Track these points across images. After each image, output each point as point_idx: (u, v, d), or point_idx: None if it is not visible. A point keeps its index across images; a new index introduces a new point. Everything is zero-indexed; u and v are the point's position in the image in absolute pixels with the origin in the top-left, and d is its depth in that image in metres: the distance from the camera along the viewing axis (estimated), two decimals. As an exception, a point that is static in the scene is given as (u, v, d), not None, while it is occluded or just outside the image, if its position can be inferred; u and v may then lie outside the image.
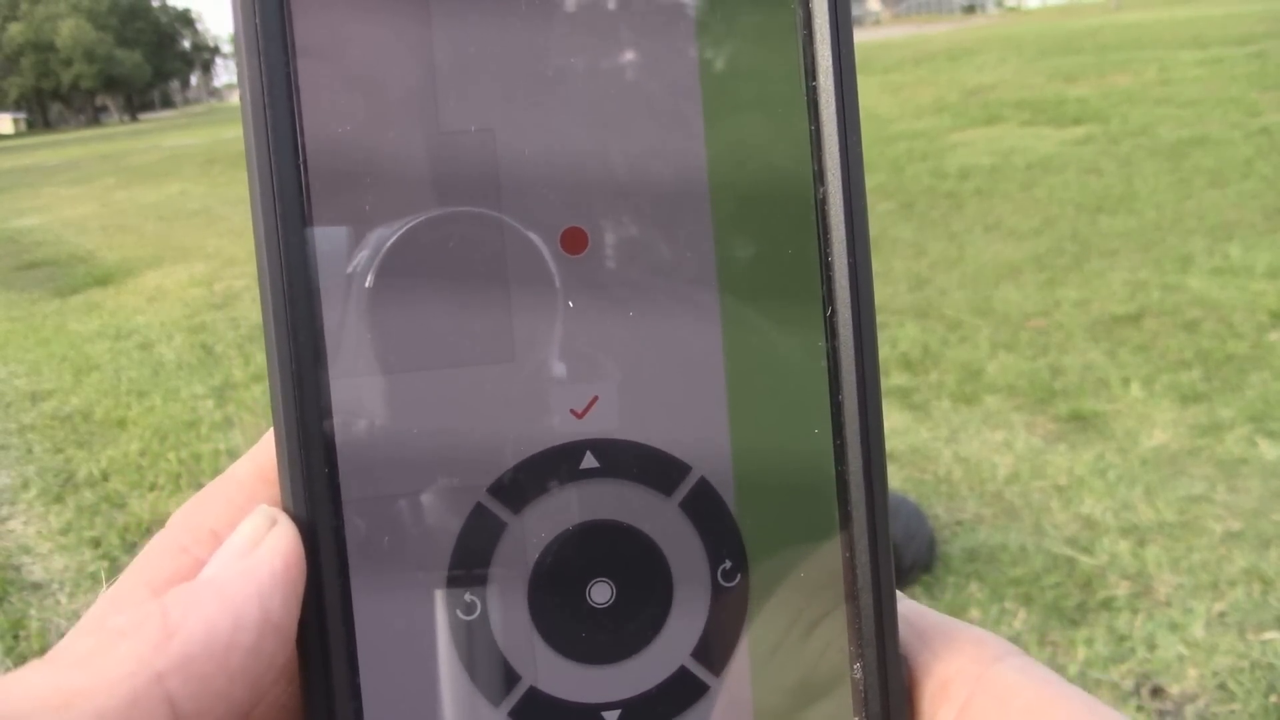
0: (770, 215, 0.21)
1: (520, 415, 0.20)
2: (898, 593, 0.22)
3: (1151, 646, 1.79)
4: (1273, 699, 1.65)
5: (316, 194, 0.19)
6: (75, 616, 2.27)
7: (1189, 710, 1.65)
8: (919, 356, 3.40)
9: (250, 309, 5.11)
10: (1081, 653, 1.79)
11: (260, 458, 0.22)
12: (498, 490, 0.20)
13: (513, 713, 0.20)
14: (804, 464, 0.21)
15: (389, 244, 0.19)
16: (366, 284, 0.19)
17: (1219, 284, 3.82)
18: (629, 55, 0.21)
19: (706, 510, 0.20)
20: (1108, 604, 1.94)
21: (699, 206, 0.21)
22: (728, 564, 0.21)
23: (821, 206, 0.22)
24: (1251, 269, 3.95)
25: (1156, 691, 1.70)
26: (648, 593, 0.20)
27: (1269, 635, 1.80)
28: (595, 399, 0.20)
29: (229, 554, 0.20)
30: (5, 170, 18.78)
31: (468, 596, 0.20)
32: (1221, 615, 1.87)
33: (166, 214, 9.12)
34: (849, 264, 0.21)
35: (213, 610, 0.19)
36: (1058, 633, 1.86)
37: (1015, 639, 1.85)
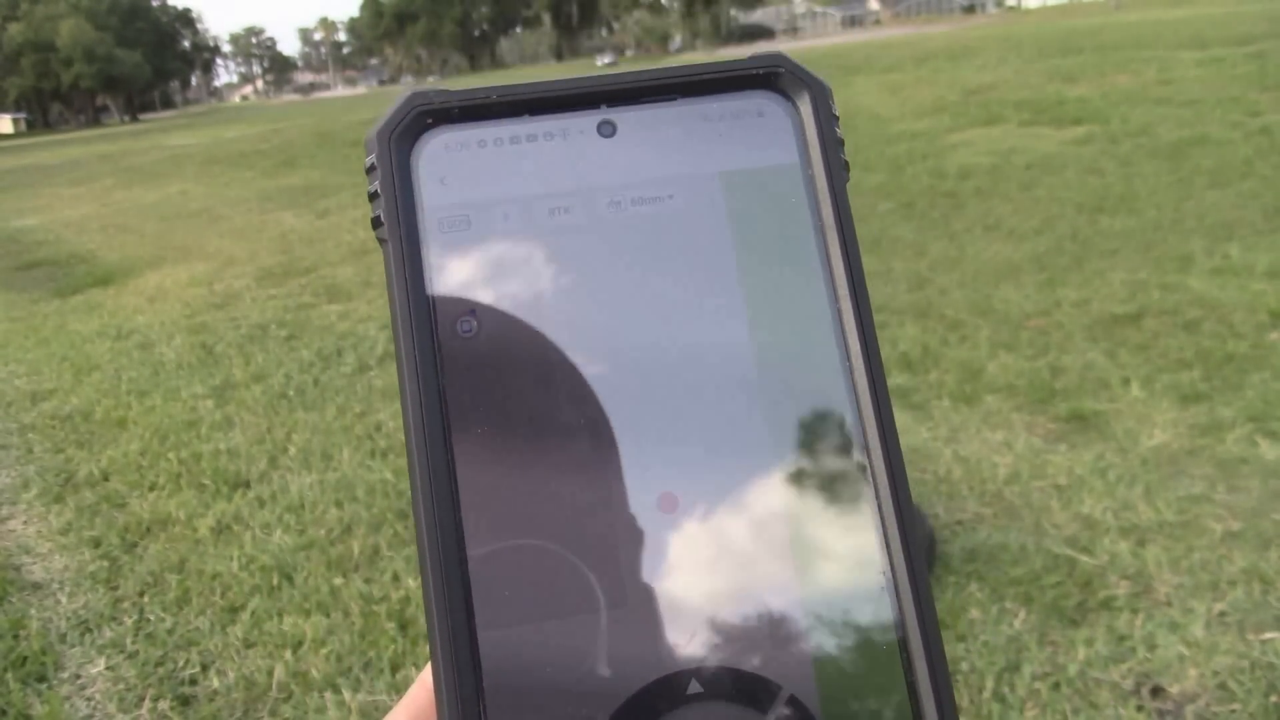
0: (824, 464, 0.25)
1: (634, 651, 0.23)
2: None
3: (1151, 646, 1.79)
4: (1273, 699, 1.65)
5: None
6: (75, 616, 2.27)
7: (1189, 710, 1.65)
8: (919, 356, 3.40)
9: (249, 308, 5.11)
10: (1081, 653, 1.79)
11: (411, 709, 0.25)
12: (619, 716, 0.23)
13: None
14: (876, 672, 0.23)
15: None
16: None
17: (1219, 284, 3.82)
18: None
19: None
20: (1108, 604, 1.94)
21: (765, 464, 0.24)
22: None
23: (870, 469, 0.25)
24: (1251, 269, 3.95)
25: (1156, 691, 1.70)
26: None
27: (1269, 635, 1.80)
28: (694, 632, 0.23)
29: None
30: (5, 170, 18.77)
31: None
32: (1221, 615, 1.87)
33: (166, 214, 9.12)
34: (890, 489, 0.24)
35: None
36: (1058, 633, 1.86)
37: (1015, 639, 1.85)
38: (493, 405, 0.24)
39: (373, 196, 0.25)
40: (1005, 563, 2.09)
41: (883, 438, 0.24)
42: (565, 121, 0.25)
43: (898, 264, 4.76)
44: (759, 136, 0.26)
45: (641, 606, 0.23)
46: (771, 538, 0.24)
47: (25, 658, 2.11)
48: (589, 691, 0.23)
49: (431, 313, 0.24)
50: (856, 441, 0.24)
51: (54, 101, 65.19)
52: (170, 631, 2.16)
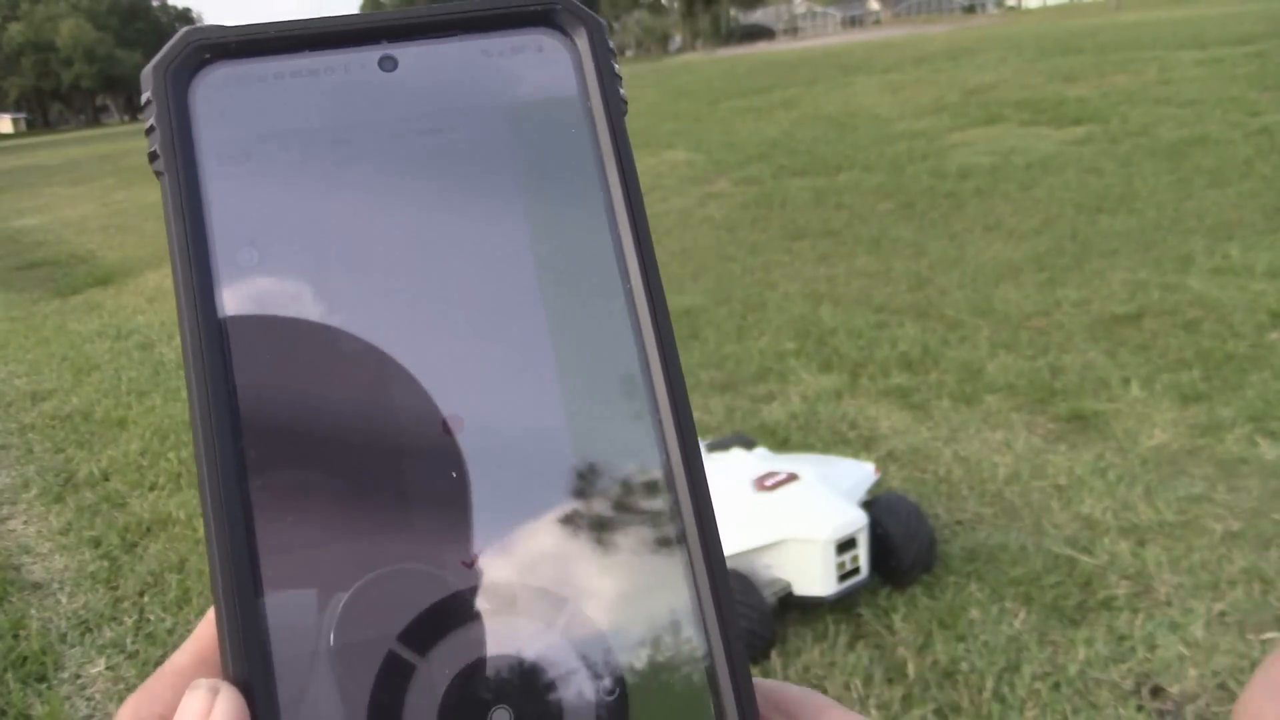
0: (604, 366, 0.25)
1: (422, 574, 0.23)
2: (755, 677, 0.25)
3: (1151, 646, 1.79)
4: (1273, 699, 1.65)
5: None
6: (75, 616, 2.27)
7: (1189, 710, 1.65)
8: (919, 356, 3.40)
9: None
10: (1081, 653, 1.79)
11: (196, 644, 0.25)
12: (406, 637, 0.23)
13: None
14: (665, 594, 0.24)
15: None
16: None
17: (1219, 284, 3.82)
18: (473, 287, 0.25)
19: (584, 636, 0.23)
20: (1108, 604, 1.94)
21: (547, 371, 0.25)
22: (607, 682, 0.23)
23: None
24: (1251, 269, 3.95)
25: (1156, 691, 1.70)
26: (543, 713, 0.23)
27: (1269, 635, 1.80)
28: (476, 556, 0.23)
29: None
30: (5, 170, 18.76)
31: None
32: (1221, 615, 1.87)
33: (166, 214, 9.11)
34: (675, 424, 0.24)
35: None
36: (1058, 633, 1.86)
37: (1015, 639, 1.85)
38: (274, 334, 0.23)
39: (149, 131, 0.25)
40: (1005, 563, 2.09)
41: (660, 349, 0.24)
42: (346, 56, 0.25)
43: (898, 264, 4.76)
44: (539, 71, 0.26)
45: (426, 526, 0.23)
46: (551, 453, 0.24)
47: (25, 658, 2.11)
48: (371, 617, 0.23)
49: (210, 244, 0.24)
50: (639, 363, 0.25)
51: (54, 101, 65.19)
52: (170, 631, 2.16)
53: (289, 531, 0.23)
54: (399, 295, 0.24)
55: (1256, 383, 2.88)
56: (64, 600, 2.35)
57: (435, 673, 0.23)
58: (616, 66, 0.26)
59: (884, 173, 7.17)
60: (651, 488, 0.24)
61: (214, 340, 0.23)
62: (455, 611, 0.23)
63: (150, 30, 65.26)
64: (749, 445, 2.36)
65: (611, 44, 0.26)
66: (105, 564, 2.50)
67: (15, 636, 2.20)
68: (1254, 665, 1.72)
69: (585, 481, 0.24)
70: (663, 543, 0.24)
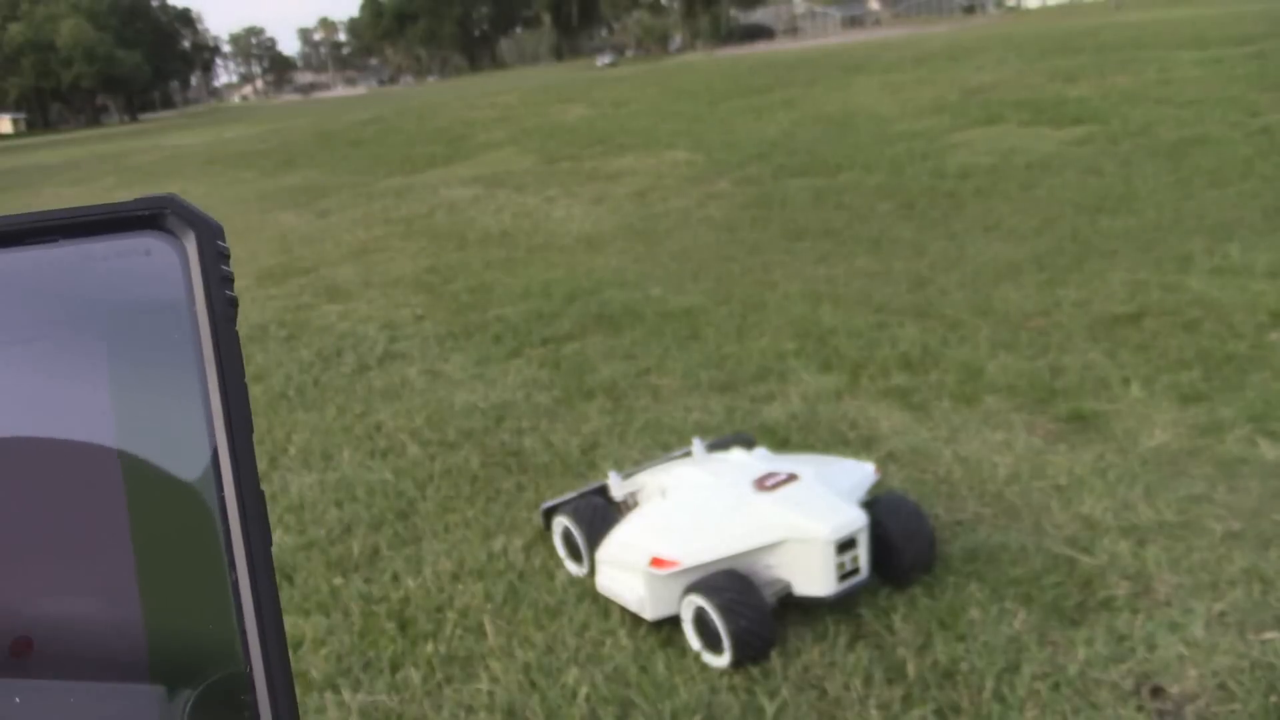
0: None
1: None
2: None
3: (1151, 646, 1.79)
4: (1273, 699, 1.65)
5: None
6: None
7: (1189, 710, 1.65)
8: (919, 356, 3.40)
9: (247, 308, 5.11)
10: (1081, 653, 1.79)
11: None
12: None
13: None
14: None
15: None
16: None
17: (1219, 284, 3.82)
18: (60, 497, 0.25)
19: None
20: (1108, 604, 1.93)
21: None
22: None
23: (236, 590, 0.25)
24: (1251, 269, 3.95)
25: (1156, 691, 1.70)
26: None
27: (1269, 635, 1.80)
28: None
29: None
30: (5, 170, 18.76)
31: None
32: (1221, 615, 1.87)
33: (166, 214, 9.11)
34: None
35: None
36: (1058, 633, 1.86)
37: (1015, 639, 1.85)
38: None
39: None
40: (1005, 563, 2.09)
41: (251, 573, 0.25)
42: None
43: (898, 264, 4.76)
44: (144, 276, 0.26)
45: None
46: (127, 669, 0.24)
47: (25, 658, 2.11)
48: None
49: None
50: (230, 582, 0.25)
51: (54, 101, 65.19)
52: (170, 631, 2.17)
53: None
54: None
55: (1256, 383, 2.88)
56: (64, 600, 2.35)
57: None
58: (226, 268, 0.27)
59: (884, 173, 7.17)
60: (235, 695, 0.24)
61: None
62: None
63: (150, 30, 65.21)
64: (749, 445, 2.36)
65: (224, 246, 0.27)
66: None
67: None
68: (1254, 665, 1.72)
69: (166, 694, 0.24)
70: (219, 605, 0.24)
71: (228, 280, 0.26)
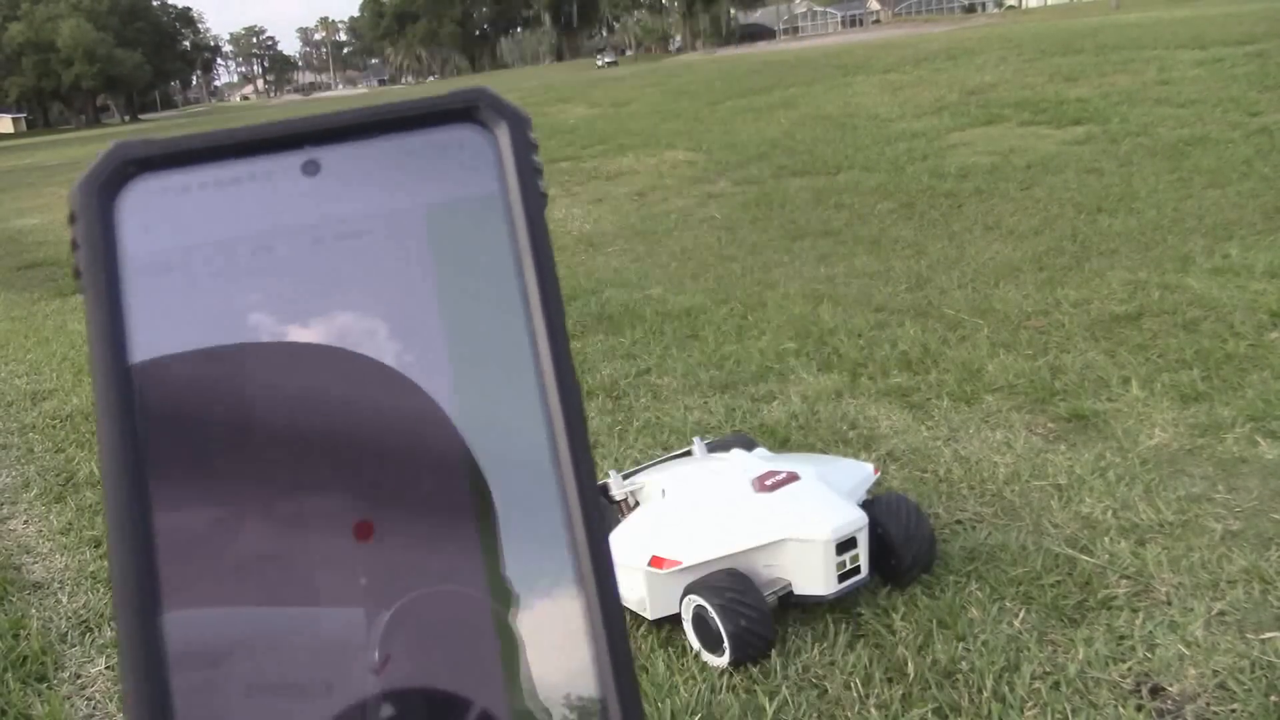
0: (521, 489, 0.25)
1: (328, 673, 0.24)
2: None
3: (1151, 646, 1.79)
4: (1273, 699, 1.65)
5: None
6: (75, 616, 2.27)
7: (1189, 710, 1.65)
8: (919, 356, 3.40)
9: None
10: (1081, 652, 1.79)
11: None
12: None
13: None
14: (566, 683, 0.24)
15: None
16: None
17: (1219, 284, 3.82)
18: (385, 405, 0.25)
19: None
20: (1108, 604, 1.94)
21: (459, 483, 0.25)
22: None
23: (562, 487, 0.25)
24: (1251, 269, 3.95)
25: (1156, 691, 1.70)
26: None
27: (1269, 635, 1.80)
28: (388, 658, 0.24)
29: None
30: (5, 170, 18.75)
31: None
32: (1221, 615, 1.87)
33: (167, 214, 9.11)
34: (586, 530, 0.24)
35: None
36: (1058, 632, 1.86)
37: (1015, 639, 1.85)
38: (191, 448, 0.24)
39: (74, 247, 0.25)
40: (1005, 562, 2.09)
41: (575, 464, 0.25)
42: (269, 163, 0.26)
43: (898, 264, 4.76)
44: (460, 168, 0.26)
45: (335, 632, 0.24)
46: (460, 556, 0.24)
47: (25, 657, 2.11)
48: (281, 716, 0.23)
49: (129, 358, 0.24)
50: (551, 468, 0.25)
51: (54, 101, 65.22)
52: (171, 631, 2.17)
53: (195, 639, 0.23)
54: (315, 399, 0.24)
55: (1256, 383, 2.88)
56: (64, 600, 2.35)
57: None
58: (537, 160, 0.27)
59: (884, 173, 7.17)
60: (563, 591, 0.24)
61: (131, 456, 0.24)
62: (361, 718, 0.23)
63: (150, 30, 65.24)
64: (749, 445, 2.36)
65: (533, 137, 0.27)
66: (106, 564, 2.50)
67: (15, 636, 2.20)
68: (1254, 665, 1.72)
69: (495, 587, 0.24)
70: (571, 643, 0.24)
71: (539, 172, 0.27)
